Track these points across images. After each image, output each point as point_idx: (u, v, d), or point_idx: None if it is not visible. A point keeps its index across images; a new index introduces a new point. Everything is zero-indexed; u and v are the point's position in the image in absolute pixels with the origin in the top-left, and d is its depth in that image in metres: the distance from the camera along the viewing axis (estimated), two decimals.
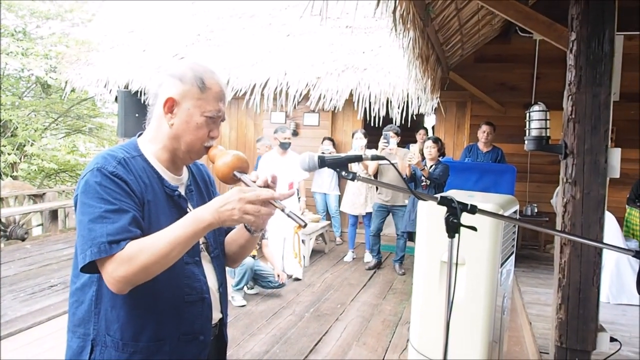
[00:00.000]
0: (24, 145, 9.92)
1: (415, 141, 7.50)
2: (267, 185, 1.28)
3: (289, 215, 1.22)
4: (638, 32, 6.52)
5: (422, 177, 5.23)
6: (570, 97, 2.55)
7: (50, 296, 4.62)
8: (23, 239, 6.98)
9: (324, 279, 5.52)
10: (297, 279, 5.42)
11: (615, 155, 2.50)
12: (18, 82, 10.88)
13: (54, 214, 7.68)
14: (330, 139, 7.18)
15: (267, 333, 3.97)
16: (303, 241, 5.96)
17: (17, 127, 9.78)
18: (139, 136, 1.40)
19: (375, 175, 5.92)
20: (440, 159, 5.48)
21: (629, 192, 5.98)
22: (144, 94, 7.57)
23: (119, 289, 1.17)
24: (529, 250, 6.98)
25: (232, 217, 1.17)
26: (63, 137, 12.03)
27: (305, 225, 1.29)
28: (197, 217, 1.19)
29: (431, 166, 5.34)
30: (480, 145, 6.23)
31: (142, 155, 1.34)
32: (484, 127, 6.13)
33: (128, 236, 1.18)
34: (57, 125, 11.65)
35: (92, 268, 1.18)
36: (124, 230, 1.18)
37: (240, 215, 1.17)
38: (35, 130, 10.03)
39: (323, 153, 6.27)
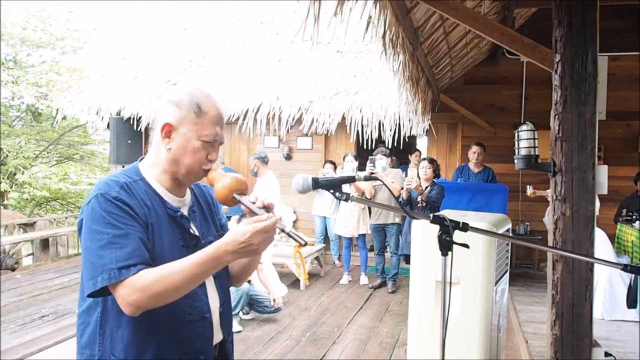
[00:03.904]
0: (15, 174, 9.86)
1: (408, 162, 7.57)
2: (265, 207, 1.30)
3: (289, 235, 1.26)
4: (622, 53, 6.71)
5: (420, 199, 5.25)
6: (556, 116, 2.61)
7: (42, 327, 4.55)
8: (13, 269, 6.88)
9: (320, 303, 5.49)
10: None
11: (603, 173, 2.55)
12: (8, 111, 10.87)
13: (44, 243, 7.60)
14: (332, 162, 7.17)
15: (264, 359, 3.92)
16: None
17: (7, 156, 9.75)
18: (140, 160, 1.44)
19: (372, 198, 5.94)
20: (435, 180, 5.53)
21: (617, 209, 6.03)
22: (137, 120, 7.61)
23: (131, 312, 1.22)
24: (523, 269, 7.00)
25: (251, 252, 1.23)
26: (54, 165, 11.99)
27: (305, 244, 1.31)
28: (216, 257, 1.22)
29: (426, 187, 5.38)
30: (471, 165, 6.30)
31: (143, 179, 1.37)
32: (474, 148, 6.21)
33: (137, 261, 1.22)
34: (48, 153, 11.62)
35: (100, 292, 1.22)
36: (132, 256, 1.22)
37: (261, 248, 1.23)
38: (26, 159, 9.99)
39: (324, 175, 6.34)
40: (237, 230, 1.22)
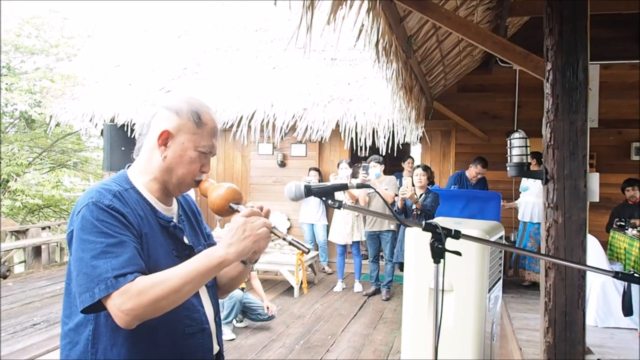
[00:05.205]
0: (8, 181, 9.80)
1: (401, 170, 7.59)
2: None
3: (291, 243, 1.25)
4: (613, 61, 6.78)
5: (414, 207, 5.23)
6: (548, 124, 2.63)
7: (33, 335, 4.51)
8: (5, 277, 6.82)
9: (314, 310, 5.47)
10: None
11: (594, 180, 2.56)
12: (1, 117, 10.82)
13: (37, 251, 7.54)
14: (317, 170, 7.21)
15: None
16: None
17: None
18: (128, 167, 1.39)
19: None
20: (429, 187, 5.52)
21: (609, 218, 6.07)
22: (130, 127, 7.59)
23: (126, 323, 1.14)
24: (517, 276, 6.99)
25: (247, 244, 1.18)
26: (47, 172, 11.91)
27: (309, 251, 1.31)
28: (210, 254, 1.19)
29: (421, 195, 5.36)
30: (469, 174, 6.36)
31: (134, 188, 1.33)
32: (480, 169, 6.25)
33: (134, 269, 1.16)
34: (41, 160, 11.56)
35: (94, 307, 1.15)
36: (128, 264, 1.16)
37: (255, 237, 1.19)
38: (19, 165, 9.93)
39: (308, 183, 6.44)
40: (229, 224, 1.21)
